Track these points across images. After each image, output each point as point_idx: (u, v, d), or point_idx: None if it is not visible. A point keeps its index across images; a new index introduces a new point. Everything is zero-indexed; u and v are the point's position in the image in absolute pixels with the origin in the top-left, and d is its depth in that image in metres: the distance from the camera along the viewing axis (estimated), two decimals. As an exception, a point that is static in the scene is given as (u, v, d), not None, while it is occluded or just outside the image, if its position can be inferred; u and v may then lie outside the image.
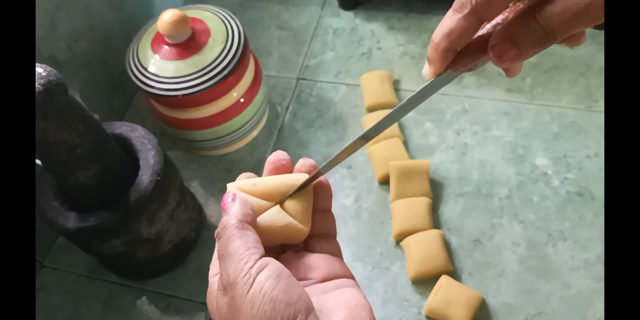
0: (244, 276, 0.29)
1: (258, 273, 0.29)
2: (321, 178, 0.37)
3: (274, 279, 0.29)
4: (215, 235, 0.33)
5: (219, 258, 0.32)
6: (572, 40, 0.31)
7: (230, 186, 0.36)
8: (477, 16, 0.29)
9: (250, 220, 0.33)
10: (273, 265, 0.30)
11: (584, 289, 0.60)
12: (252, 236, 0.32)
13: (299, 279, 0.35)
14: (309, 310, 0.29)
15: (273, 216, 0.35)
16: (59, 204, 0.55)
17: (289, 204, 0.35)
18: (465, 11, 0.29)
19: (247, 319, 0.29)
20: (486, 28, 0.30)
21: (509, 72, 0.33)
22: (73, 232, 0.54)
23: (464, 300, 0.58)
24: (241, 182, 0.36)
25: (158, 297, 0.65)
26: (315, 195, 0.37)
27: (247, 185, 0.35)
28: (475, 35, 0.30)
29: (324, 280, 0.35)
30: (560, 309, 0.59)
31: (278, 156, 0.37)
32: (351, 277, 0.36)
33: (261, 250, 0.31)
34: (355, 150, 0.35)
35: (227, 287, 0.30)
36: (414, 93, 0.32)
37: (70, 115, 0.48)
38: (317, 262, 0.35)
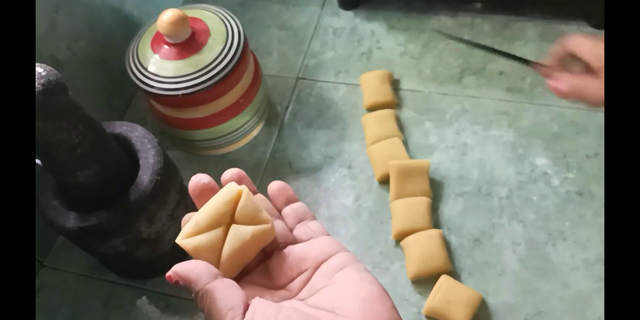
0: None
1: None
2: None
3: None
4: (198, 310, 0.32)
5: None
6: None
7: (178, 241, 0.35)
8: None
9: (211, 273, 0.32)
10: (259, 317, 0.30)
11: (583, 289, 0.60)
12: (223, 296, 0.31)
13: (296, 274, 0.35)
14: None
15: (235, 236, 0.34)
16: (59, 203, 0.55)
17: (238, 216, 0.35)
18: None
19: None
20: None
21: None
22: (73, 232, 0.54)
23: (464, 300, 0.58)
24: (184, 230, 0.35)
25: (158, 297, 0.65)
26: (271, 198, 0.37)
27: (190, 229, 0.34)
28: None
29: (319, 264, 0.35)
30: (560, 308, 0.59)
31: (194, 180, 0.36)
32: (343, 249, 0.35)
33: (239, 304, 0.31)
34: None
35: None
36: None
37: (70, 115, 0.48)
38: (304, 251, 0.35)
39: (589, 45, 0.49)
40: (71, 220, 0.54)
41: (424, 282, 0.61)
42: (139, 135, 0.58)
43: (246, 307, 0.30)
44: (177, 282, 0.32)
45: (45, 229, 0.58)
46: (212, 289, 0.31)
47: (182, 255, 0.66)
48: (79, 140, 0.49)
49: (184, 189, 0.63)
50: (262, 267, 0.36)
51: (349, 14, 0.85)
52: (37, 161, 0.53)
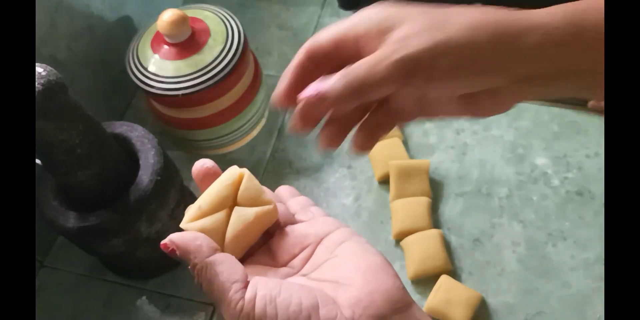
0: (243, 318, 0.29)
1: (253, 308, 0.29)
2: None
3: (269, 305, 0.29)
4: (195, 283, 0.32)
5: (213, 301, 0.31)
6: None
7: (182, 225, 0.35)
8: None
9: (211, 246, 0.32)
10: (261, 289, 0.30)
11: (583, 289, 0.60)
12: (225, 270, 0.31)
13: (298, 251, 0.35)
14: (315, 306, 0.29)
15: (238, 218, 0.34)
16: (59, 203, 0.55)
17: (240, 199, 0.35)
18: None
19: None
20: None
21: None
22: (73, 231, 0.54)
23: (463, 300, 0.58)
24: (187, 214, 0.35)
25: (158, 297, 0.65)
26: (277, 195, 0.38)
27: (194, 213, 0.35)
28: None
29: (320, 240, 0.35)
30: (560, 308, 0.59)
31: (198, 165, 0.37)
32: (344, 226, 0.36)
33: (242, 278, 0.30)
34: None
35: None
36: None
37: (70, 115, 0.48)
38: (305, 229, 0.35)
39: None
40: (71, 220, 0.54)
41: (424, 282, 0.61)
42: (139, 135, 0.58)
43: (247, 283, 0.30)
44: (172, 251, 0.32)
45: (45, 229, 0.58)
46: (214, 262, 0.31)
47: (182, 255, 0.66)
48: (79, 140, 0.49)
49: (184, 189, 0.63)
50: (264, 247, 0.36)
51: (349, 14, 0.85)
52: (37, 161, 0.53)
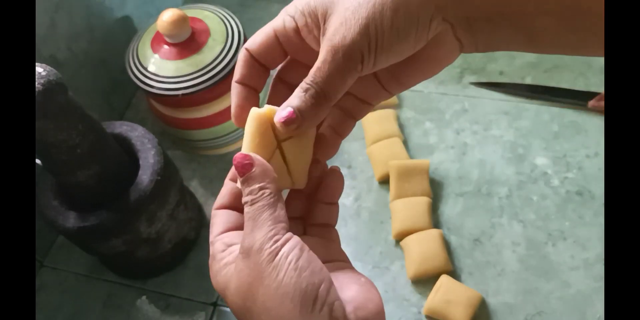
0: (272, 244, 0.30)
1: (284, 244, 0.30)
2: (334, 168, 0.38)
3: (298, 249, 0.30)
4: (248, 195, 0.32)
5: (248, 220, 0.31)
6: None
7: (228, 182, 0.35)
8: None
9: (278, 190, 0.33)
10: (296, 239, 0.31)
11: (583, 289, 0.60)
12: (283, 210, 0.32)
13: None
14: (330, 280, 0.30)
15: (293, 153, 0.35)
16: (59, 203, 0.55)
17: (280, 134, 0.34)
18: None
19: (272, 284, 0.30)
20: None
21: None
22: (73, 231, 0.54)
23: (463, 300, 0.58)
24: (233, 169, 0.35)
25: (158, 297, 0.65)
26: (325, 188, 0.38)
27: None
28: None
29: (323, 262, 0.35)
30: (560, 308, 0.59)
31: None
32: (348, 261, 0.37)
33: (288, 226, 0.32)
34: None
35: (250, 250, 0.31)
36: None
37: (70, 115, 0.48)
38: (312, 245, 0.36)
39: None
40: (71, 220, 0.54)
41: (424, 282, 0.61)
42: (139, 135, 0.58)
43: (288, 232, 0.31)
44: (248, 165, 0.32)
45: (45, 229, 0.58)
46: (281, 199, 0.32)
47: (182, 255, 0.66)
48: (79, 140, 0.49)
49: (184, 189, 0.63)
50: None
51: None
52: (37, 161, 0.53)
